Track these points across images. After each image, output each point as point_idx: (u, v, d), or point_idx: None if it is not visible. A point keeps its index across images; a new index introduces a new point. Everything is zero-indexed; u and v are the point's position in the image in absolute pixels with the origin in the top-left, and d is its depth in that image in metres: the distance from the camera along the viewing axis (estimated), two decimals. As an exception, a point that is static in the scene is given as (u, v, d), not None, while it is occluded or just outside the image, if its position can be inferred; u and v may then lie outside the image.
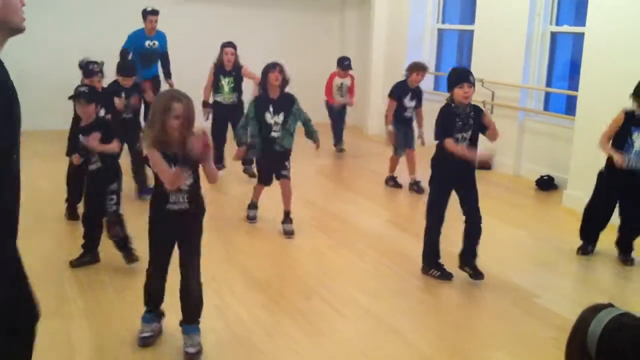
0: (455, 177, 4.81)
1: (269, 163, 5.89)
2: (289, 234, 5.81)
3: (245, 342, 3.89)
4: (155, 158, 3.47)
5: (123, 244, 4.87)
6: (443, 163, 4.79)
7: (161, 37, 8.75)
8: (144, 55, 8.53)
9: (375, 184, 7.89)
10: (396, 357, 3.82)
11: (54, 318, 3.91)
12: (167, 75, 8.81)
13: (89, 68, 6.03)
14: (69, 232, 5.64)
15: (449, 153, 4.69)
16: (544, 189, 7.80)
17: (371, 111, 11.09)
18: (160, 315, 3.89)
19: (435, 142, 4.85)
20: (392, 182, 7.80)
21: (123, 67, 6.54)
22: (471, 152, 4.76)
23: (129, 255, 4.87)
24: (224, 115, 7.71)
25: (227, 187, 7.35)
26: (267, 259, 5.39)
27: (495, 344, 4.05)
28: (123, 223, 4.87)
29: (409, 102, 7.53)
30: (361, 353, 3.85)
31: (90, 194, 4.92)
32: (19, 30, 2.20)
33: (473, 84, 4.70)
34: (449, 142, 4.67)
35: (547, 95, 8.59)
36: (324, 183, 8.04)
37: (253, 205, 6.20)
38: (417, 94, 7.60)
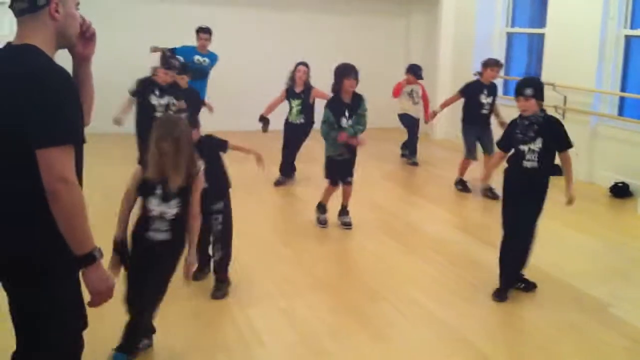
0: (519, 188, 4.70)
1: (340, 166, 5.92)
2: (346, 225, 5.95)
3: (311, 344, 3.91)
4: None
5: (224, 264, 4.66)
6: (508, 173, 4.75)
7: (213, 57, 8.79)
8: (190, 69, 8.57)
9: (443, 189, 7.82)
10: (463, 363, 3.79)
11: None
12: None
13: (170, 60, 6.19)
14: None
15: (511, 162, 4.68)
16: (619, 196, 7.57)
17: (438, 116, 10.98)
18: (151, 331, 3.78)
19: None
20: (461, 185, 7.72)
21: (163, 59, 6.59)
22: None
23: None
24: (292, 133, 7.86)
25: (299, 193, 7.43)
26: (333, 261, 5.42)
27: (567, 354, 3.95)
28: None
29: (485, 99, 7.46)
30: (426, 358, 3.82)
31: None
32: (71, 43, 2.34)
33: (529, 96, 4.58)
34: (496, 154, 4.76)
35: (622, 100, 8.34)
36: (390, 187, 8.01)
37: (323, 209, 6.17)
38: (493, 91, 7.51)
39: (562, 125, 4.65)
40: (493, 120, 7.61)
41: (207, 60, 8.74)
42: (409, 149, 9.29)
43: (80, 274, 2.23)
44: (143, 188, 3.48)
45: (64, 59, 2.31)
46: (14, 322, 2.37)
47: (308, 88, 7.74)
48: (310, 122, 7.78)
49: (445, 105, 7.79)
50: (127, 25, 10.15)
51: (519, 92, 4.59)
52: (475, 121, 7.50)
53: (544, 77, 8.87)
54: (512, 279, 4.74)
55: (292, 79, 7.77)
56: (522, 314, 4.53)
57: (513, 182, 4.70)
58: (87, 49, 2.43)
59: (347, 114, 5.73)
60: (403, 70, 9.53)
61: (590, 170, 8.29)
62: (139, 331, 3.57)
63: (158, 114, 6.24)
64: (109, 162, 7.59)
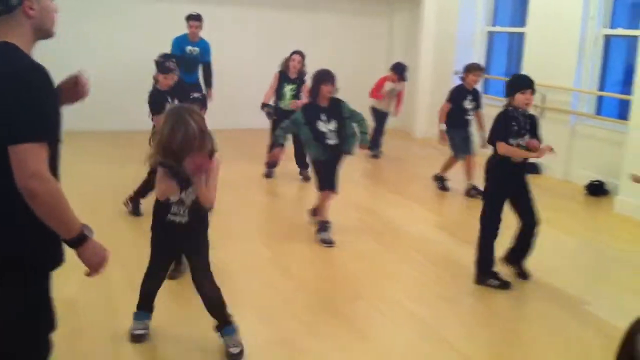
0: (511, 183, 4.79)
1: (329, 169, 5.88)
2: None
3: (290, 343, 3.93)
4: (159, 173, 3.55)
5: None
6: (498, 169, 4.78)
7: (203, 45, 8.73)
8: (185, 61, 8.46)
9: (424, 188, 7.87)
10: (442, 362, 3.83)
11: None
12: (208, 84, 8.81)
13: (165, 64, 6.18)
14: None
15: (504, 158, 4.71)
16: (595, 195, 7.67)
17: (419, 115, 11.07)
18: (150, 311, 3.99)
19: (491, 148, 4.84)
20: (440, 183, 7.77)
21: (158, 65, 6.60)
22: (534, 143, 4.76)
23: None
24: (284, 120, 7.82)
25: (280, 190, 7.44)
26: (312, 261, 5.43)
27: (544, 351, 4.01)
28: None
29: (468, 104, 7.52)
30: (406, 357, 3.86)
31: None
32: (49, 35, 2.37)
33: (535, 92, 4.73)
34: (503, 146, 4.68)
35: (600, 99, 8.44)
36: (370, 186, 8.05)
37: (325, 226, 5.86)
38: (476, 96, 7.58)
39: (539, 123, 4.90)
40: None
41: (197, 49, 8.66)
42: (373, 142, 9.18)
43: (76, 252, 2.30)
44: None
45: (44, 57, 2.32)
46: None
47: (302, 78, 7.80)
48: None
49: (442, 118, 7.63)
50: (126, 24, 10.11)
51: (528, 86, 4.71)
52: (460, 125, 7.54)
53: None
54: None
55: (285, 66, 7.81)
56: (500, 313, 4.58)
57: (505, 176, 4.80)
58: (75, 101, 2.50)
59: (324, 117, 5.73)
60: (385, 69, 9.58)
61: (567, 168, 8.39)
62: (218, 304, 3.81)
63: None
64: (105, 161, 7.55)
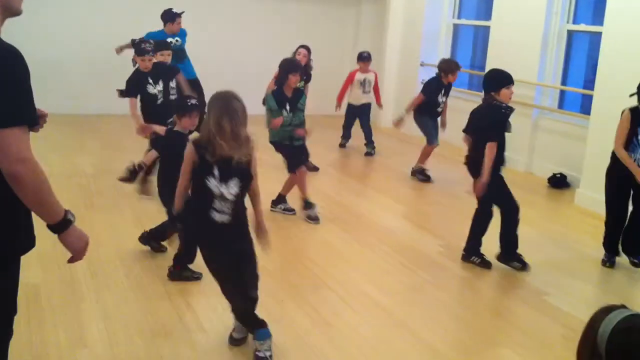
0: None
1: (294, 154, 6.02)
2: (289, 211, 6.19)
3: (255, 331, 3.91)
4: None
5: None
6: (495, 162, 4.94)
7: (183, 33, 8.55)
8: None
9: (390, 178, 7.90)
10: (405, 351, 3.84)
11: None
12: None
13: (141, 46, 6.09)
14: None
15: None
16: (557, 187, 7.79)
17: (385, 105, 11.08)
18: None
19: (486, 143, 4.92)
20: (422, 175, 7.84)
21: (135, 47, 6.48)
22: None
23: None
24: None
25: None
26: (277, 249, 5.40)
27: (505, 341, 4.07)
28: None
29: (441, 98, 7.77)
30: (370, 346, 3.87)
31: None
32: (17, 13, 2.30)
33: None
34: (492, 147, 4.88)
35: (562, 93, 8.56)
36: (336, 176, 8.04)
37: (309, 204, 6.10)
38: (447, 90, 7.82)
39: None
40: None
41: (179, 40, 8.47)
42: (366, 139, 9.19)
43: (59, 238, 2.26)
44: (200, 169, 3.39)
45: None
46: None
47: (308, 72, 7.91)
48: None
49: (411, 107, 7.85)
50: (88, 5, 9.98)
51: (511, 80, 4.95)
52: (432, 115, 7.84)
53: (488, 69, 9.02)
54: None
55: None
56: (463, 302, 4.63)
57: (499, 169, 5.01)
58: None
59: (287, 107, 5.82)
60: (351, 58, 9.55)
61: (529, 161, 8.50)
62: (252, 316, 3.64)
63: (159, 101, 6.15)
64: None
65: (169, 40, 8.14)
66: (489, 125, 4.90)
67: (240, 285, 3.57)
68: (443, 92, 7.74)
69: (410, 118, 8.05)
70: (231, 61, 10.73)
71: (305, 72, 7.81)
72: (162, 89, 6.23)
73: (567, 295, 4.79)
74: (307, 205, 6.06)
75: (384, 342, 3.93)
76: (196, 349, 3.71)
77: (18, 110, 2.09)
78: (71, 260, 2.35)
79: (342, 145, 9.41)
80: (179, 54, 8.43)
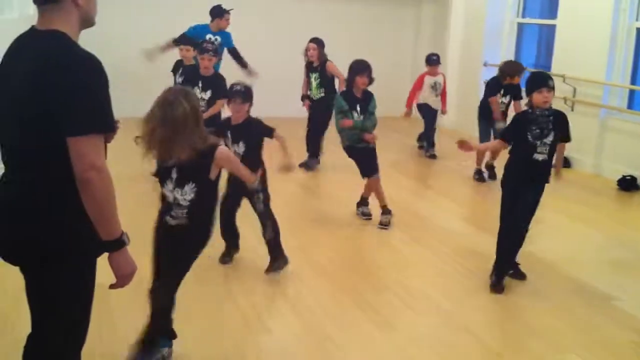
0: (526, 180, 4.70)
1: (367, 155, 5.97)
2: (366, 215, 6.14)
3: (317, 333, 3.94)
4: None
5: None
6: (515, 165, 4.74)
7: (225, 34, 8.54)
8: None
9: (452, 181, 7.83)
10: (467, 355, 3.81)
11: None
12: (243, 65, 8.50)
13: (202, 45, 6.17)
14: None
15: (519, 155, 4.67)
16: (626, 190, 7.56)
17: (447, 107, 10.99)
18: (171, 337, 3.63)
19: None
20: (478, 175, 7.77)
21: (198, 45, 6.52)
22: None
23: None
24: (315, 109, 7.98)
25: (302, 179, 7.44)
26: (339, 251, 5.43)
27: (571, 346, 3.97)
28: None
29: (500, 98, 7.57)
30: (432, 349, 3.84)
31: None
32: (93, 23, 2.37)
33: (552, 88, 4.61)
34: (499, 143, 4.90)
35: (632, 93, 8.31)
36: (398, 178, 8.00)
37: (386, 211, 6.06)
38: (512, 89, 7.52)
39: (568, 120, 4.74)
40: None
41: (219, 38, 8.39)
42: (427, 141, 9.13)
43: (108, 257, 2.26)
44: (159, 172, 3.41)
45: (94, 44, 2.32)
46: (30, 305, 2.41)
47: (323, 62, 7.83)
48: (331, 94, 7.59)
49: (497, 112, 7.53)
50: (143, 9, 10.24)
51: (544, 84, 4.56)
52: (488, 118, 7.67)
53: (554, 69, 8.84)
54: (506, 269, 4.77)
55: (305, 55, 7.93)
56: (526, 306, 4.54)
57: (520, 174, 4.69)
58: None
59: (358, 108, 5.78)
60: (412, 59, 9.50)
61: (597, 162, 8.28)
62: (158, 321, 3.48)
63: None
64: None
65: (207, 37, 8.19)
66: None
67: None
68: (502, 92, 7.53)
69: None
70: (280, 64, 10.78)
71: (320, 66, 7.77)
72: (207, 98, 6.30)
73: (636, 300, 4.65)
74: (384, 211, 6.00)
75: (447, 345, 3.90)
76: (261, 348, 3.75)
77: (97, 119, 2.15)
78: (113, 286, 2.32)
79: (432, 156, 9.04)
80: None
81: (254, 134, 4.59)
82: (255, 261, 4.87)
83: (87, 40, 2.49)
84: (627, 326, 4.22)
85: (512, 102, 7.59)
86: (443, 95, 9.03)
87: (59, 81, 2.11)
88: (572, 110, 8.49)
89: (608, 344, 4.01)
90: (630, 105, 8.29)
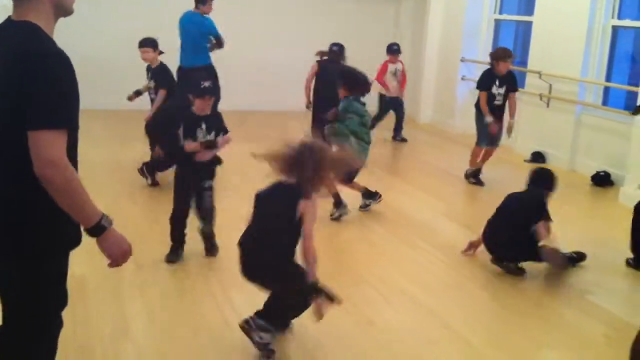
0: None
1: None
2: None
3: (295, 328, 3.94)
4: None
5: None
6: None
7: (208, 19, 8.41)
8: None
9: (429, 175, 7.87)
10: (447, 351, 3.84)
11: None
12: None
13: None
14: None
15: None
16: (600, 185, 7.67)
17: (423, 101, 11.07)
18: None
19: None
20: (474, 178, 7.51)
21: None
22: None
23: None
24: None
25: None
26: (317, 245, 5.41)
27: (547, 340, 4.04)
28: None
29: (497, 89, 7.20)
30: (411, 344, 3.88)
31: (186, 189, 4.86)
32: (69, 12, 2.35)
33: None
34: None
35: (607, 90, 8.41)
36: (375, 172, 8.03)
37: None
38: (508, 79, 7.27)
39: None
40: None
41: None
42: (397, 128, 9.57)
43: (96, 242, 2.28)
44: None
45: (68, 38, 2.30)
46: (1, 298, 2.41)
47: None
48: None
49: (485, 108, 7.21)
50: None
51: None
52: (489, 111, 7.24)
53: (530, 65, 8.93)
54: None
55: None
56: (504, 300, 4.60)
57: None
58: None
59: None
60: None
61: (572, 158, 8.38)
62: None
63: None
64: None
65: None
66: None
67: None
68: (498, 82, 7.20)
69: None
70: (263, 57, 10.80)
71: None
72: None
73: (610, 294, 4.73)
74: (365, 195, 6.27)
75: (426, 341, 3.93)
76: (240, 346, 3.75)
77: (57, 114, 2.12)
78: (110, 265, 2.37)
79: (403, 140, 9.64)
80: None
81: (218, 125, 4.83)
82: (232, 256, 4.85)
83: (63, 31, 2.47)
84: (601, 320, 4.29)
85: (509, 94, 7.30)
86: (403, 80, 9.56)
87: (22, 73, 2.09)
88: (548, 106, 8.59)
89: (582, 337, 4.08)
90: (605, 102, 8.39)
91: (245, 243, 3.62)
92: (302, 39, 10.64)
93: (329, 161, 3.54)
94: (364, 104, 5.96)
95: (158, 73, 6.96)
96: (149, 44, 6.96)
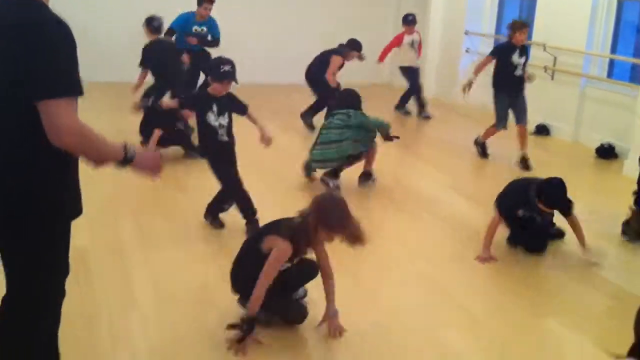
0: None
1: None
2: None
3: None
4: None
5: None
6: None
7: (212, 23, 8.48)
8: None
9: (435, 148, 7.86)
10: (449, 320, 3.87)
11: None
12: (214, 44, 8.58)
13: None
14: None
15: None
16: (604, 158, 7.65)
17: (428, 75, 10.99)
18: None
19: None
20: (481, 148, 7.43)
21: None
22: None
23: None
24: None
25: (287, 147, 7.42)
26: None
27: (549, 311, 4.06)
28: None
29: (517, 59, 7.01)
30: (414, 315, 3.90)
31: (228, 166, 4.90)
32: None
33: None
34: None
35: (612, 62, 8.36)
36: (380, 145, 8.01)
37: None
38: (526, 51, 7.16)
39: None
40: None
41: (204, 29, 8.44)
42: (418, 103, 9.52)
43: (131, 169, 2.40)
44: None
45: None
46: (4, 266, 2.42)
47: None
48: None
49: (478, 70, 7.21)
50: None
51: None
52: (508, 85, 7.08)
53: (535, 37, 8.86)
54: None
55: None
56: (508, 273, 4.61)
57: None
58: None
59: None
60: (394, 27, 9.53)
61: (576, 130, 8.36)
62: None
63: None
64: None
65: (193, 28, 8.35)
66: None
67: None
68: (518, 52, 6.99)
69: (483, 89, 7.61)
70: (265, 42, 10.75)
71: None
72: (225, 124, 6.36)
73: (613, 266, 4.74)
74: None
75: (429, 311, 3.97)
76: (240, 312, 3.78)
77: (66, 81, 2.14)
78: (153, 179, 2.56)
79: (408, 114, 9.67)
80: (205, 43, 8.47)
81: (232, 107, 4.82)
82: (238, 229, 4.88)
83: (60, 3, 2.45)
84: (604, 292, 4.31)
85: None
86: (419, 49, 9.58)
87: (29, 45, 2.09)
88: (553, 79, 8.55)
89: (585, 309, 4.10)
90: (609, 75, 8.35)
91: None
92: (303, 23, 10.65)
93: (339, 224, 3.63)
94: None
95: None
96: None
